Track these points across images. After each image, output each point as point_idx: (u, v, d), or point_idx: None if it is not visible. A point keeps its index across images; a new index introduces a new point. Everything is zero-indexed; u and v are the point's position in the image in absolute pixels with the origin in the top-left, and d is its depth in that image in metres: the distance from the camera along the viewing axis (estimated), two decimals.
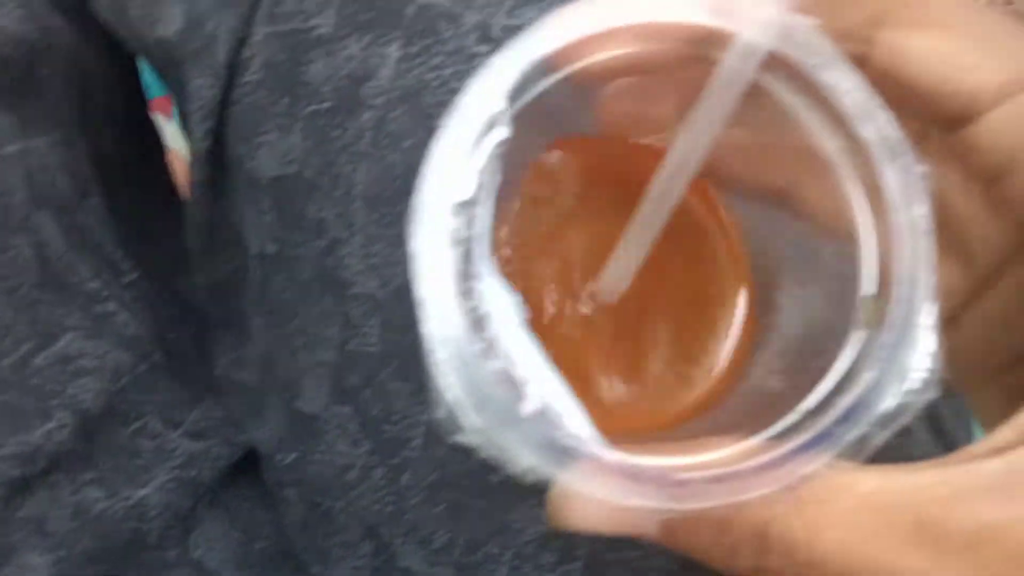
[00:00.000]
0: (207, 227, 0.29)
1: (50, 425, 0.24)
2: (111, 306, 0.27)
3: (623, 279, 0.17)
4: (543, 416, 0.15)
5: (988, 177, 0.16)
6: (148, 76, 0.35)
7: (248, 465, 0.30)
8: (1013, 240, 0.16)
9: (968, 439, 0.37)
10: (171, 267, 0.33)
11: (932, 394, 0.15)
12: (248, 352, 0.29)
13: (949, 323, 0.16)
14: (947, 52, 0.15)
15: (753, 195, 0.18)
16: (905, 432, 0.23)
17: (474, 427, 0.15)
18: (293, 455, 0.27)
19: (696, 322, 0.19)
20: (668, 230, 0.17)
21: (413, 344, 0.23)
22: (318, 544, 0.28)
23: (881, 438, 0.15)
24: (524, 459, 0.15)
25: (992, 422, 0.15)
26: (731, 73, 0.15)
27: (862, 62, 0.16)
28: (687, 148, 0.16)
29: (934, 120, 0.16)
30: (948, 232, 0.15)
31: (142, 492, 0.25)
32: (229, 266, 0.29)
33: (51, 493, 0.24)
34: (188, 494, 0.27)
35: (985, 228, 0.16)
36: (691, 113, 0.15)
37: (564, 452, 0.15)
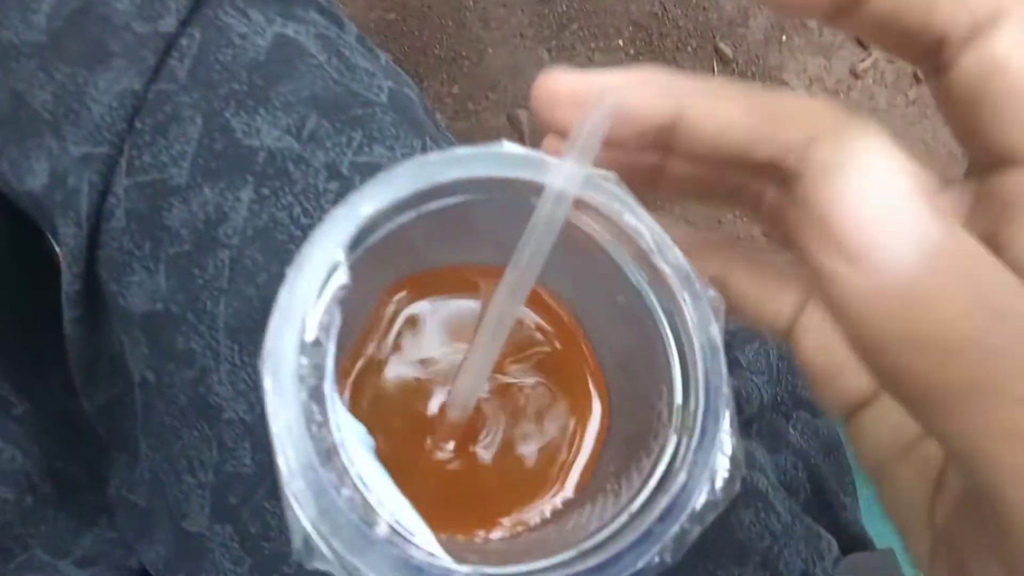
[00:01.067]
0: (86, 360, 0.29)
1: None
2: None
3: (469, 399, 0.18)
4: (395, 537, 0.16)
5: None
6: None
7: None
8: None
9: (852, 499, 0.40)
10: (63, 392, 0.32)
11: (735, 492, 0.17)
12: (137, 474, 0.29)
13: (854, 422, 0.16)
14: None
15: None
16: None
17: (329, 553, 0.16)
18: (181, 575, 0.27)
19: (548, 434, 0.21)
20: (516, 348, 0.19)
21: None
22: None
23: (696, 532, 0.17)
24: None
25: (913, 503, 0.15)
26: (546, 215, 0.17)
27: None
28: (515, 278, 0.17)
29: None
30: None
31: None
32: (115, 391, 0.29)
33: None
34: None
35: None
36: (518, 248, 0.17)
37: (417, 571, 0.16)
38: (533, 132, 0.96)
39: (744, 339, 0.37)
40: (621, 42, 1.02)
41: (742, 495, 0.29)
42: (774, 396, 0.37)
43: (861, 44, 1.10)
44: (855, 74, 1.08)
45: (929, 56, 0.13)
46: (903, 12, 0.13)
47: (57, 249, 0.30)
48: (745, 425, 0.35)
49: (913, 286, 0.10)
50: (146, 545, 0.29)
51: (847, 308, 0.10)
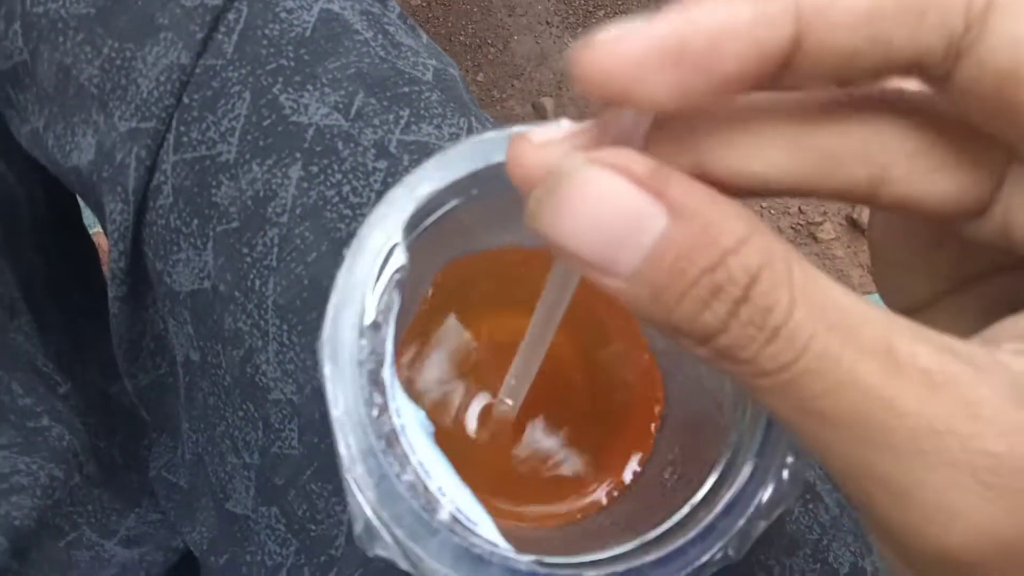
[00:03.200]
0: (129, 338, 0.29)
1: None
2: (45, 421, 0.27)
3: (517, 399, 0.18)
4: (456, 526, 0.16)
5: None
6: None
7: (185, 571, 0.30)
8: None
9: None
10: (102, 375, 0.32)
11: (801, 486, 0.17)
12: (179, 455, 0.29)
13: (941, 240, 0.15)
14: None
15: None
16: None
17: (391, 540, 0.16)
18: (225, 556, 0.27)
19: (603, 420, 0.21)
20: (577, 339, 0.19)
21: (330, 447, 0.24)
22: None
23: (761, 527, 0.16)
24: (440, 570, 0.15)
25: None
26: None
27: None
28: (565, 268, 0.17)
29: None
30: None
31: None
32: (158, 372, 0.29)
33: None
34: None
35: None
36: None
37: (478, 560, 0.15)
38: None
39: None
40: None
41: None
42: None
43: None
44: None
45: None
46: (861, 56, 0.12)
47: (92, 231, 0.30)
48: None
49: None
50: (189, 526, 0.29)
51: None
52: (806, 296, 0.11)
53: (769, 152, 0.13)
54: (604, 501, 0.19)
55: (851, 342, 0.11)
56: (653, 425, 0.21)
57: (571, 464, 0.20)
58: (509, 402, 0.17)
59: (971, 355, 0.11)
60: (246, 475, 0.27)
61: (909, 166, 0.13)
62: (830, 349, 0.11)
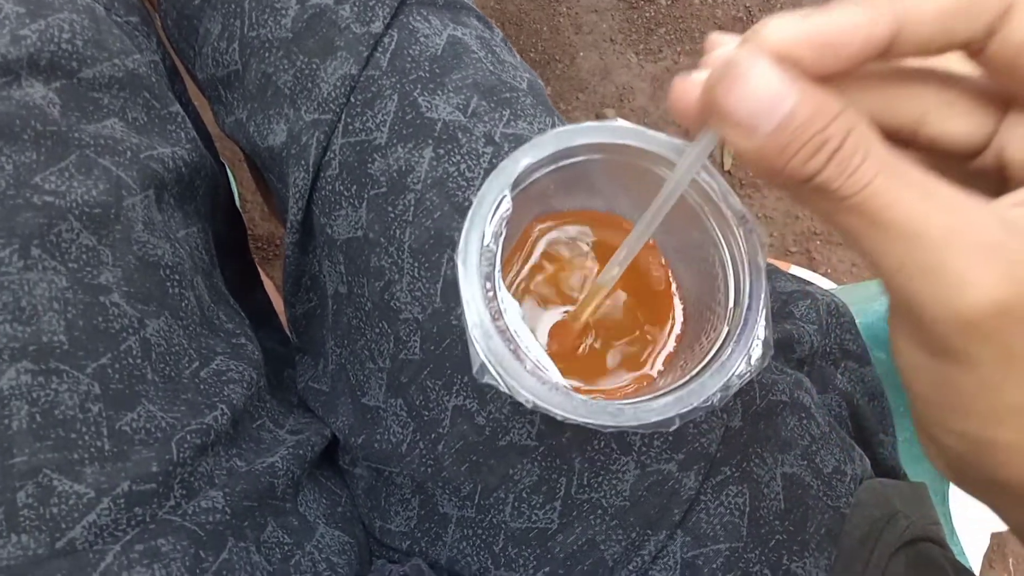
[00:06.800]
0: (295, 275, 0.39)
1: (216, 413, 0.32)
2: (242, 340, 0.36)
3: (616, 272, 0.26)
4: (535, 370, 0.25)
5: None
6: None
7: (330, 455, 0.38)
8: None
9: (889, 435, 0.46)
10: (258, 318, 0.42)
11: (765, 365, 0.25)
12: (321, 368, 0.39)
13: None
14: None
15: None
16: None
17: (495, 373, 0.24)
18: (362, 437, 0.36)
19: (643, 332, 0.30)
20: (627, 274, 0.27)
21: (442, 354, 0.33)
22: (381, 505, 0.36)
23: (735, 388, 0.25)
24: (525, 394, 0.24)
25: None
26: (681, 172, 0.23)
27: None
28: (658, 204, 0.24)
29: None
30: None
31: (271, 459, 0.33)
32: (311, 304, 0.39)
33: (215, 460, 0.32)
34: (298, 465, 0.35)
35: None
36: (664, 186, 0.23)
37: (548, 387, 0.24)
38: None
39: (798, 296, 0.44)
40: None
41: (789, 405, 0.36)
42: (824, 346, 0.45)
43: None
44: None
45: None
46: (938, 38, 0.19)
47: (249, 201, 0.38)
48: (799, 364, 0.42)
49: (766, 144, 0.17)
50: (332, 418, 0.38)
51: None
52: (874, 149, 0.18)
53: (865, 97, 0.21)
54: (642, 383, 0.28)
55: (901, 178, 0.18)
56: (678, 336, 0.30)
57: (619, 357, 0.29)
58: (615, 271, 0.26)
59: (974, 198, 0.18)
60: (379, 376, 0.35)
61: (942, 113, 0.21)
62: (889, 182, 0.17)
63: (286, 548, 0.33)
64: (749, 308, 0.26)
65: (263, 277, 0.52)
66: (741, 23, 1.09)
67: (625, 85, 1.05)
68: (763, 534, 0.33)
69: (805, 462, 0.35)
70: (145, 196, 0.32)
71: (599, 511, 0.33)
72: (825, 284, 0.86)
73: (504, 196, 0.26)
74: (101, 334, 0.29)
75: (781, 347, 0.41)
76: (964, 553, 0.54)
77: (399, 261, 0.34)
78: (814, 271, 0.98)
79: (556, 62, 1.06)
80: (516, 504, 0.33)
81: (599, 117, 1.07)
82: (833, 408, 0.43)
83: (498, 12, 1.08)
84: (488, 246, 0.25)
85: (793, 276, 0.47)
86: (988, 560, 0.90)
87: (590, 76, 1.05)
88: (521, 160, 0.26)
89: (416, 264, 0.33)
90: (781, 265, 0.95)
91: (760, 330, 0.25)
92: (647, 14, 1.08)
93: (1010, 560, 0.91)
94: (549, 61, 1.06)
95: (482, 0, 1.07)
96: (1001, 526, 0.88)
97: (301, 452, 0.35)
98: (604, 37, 1.07)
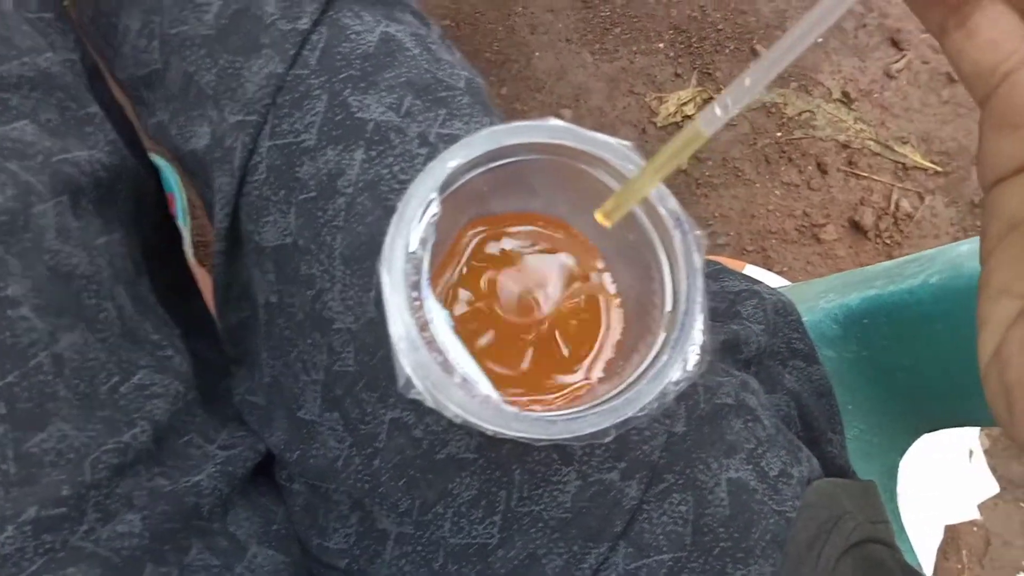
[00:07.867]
0: (224, 284, 0.37)
1: (135, 430, 0.30)
2: (169, 351, 0.35)
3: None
4: (464, 384, 0.24)
5: None
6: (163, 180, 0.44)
7: (266, 469, 0.37)
8: None
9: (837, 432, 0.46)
10: (194, 327, 0.40)
11: (702, 370, 0.24)
12: (257, 380, 0.37)
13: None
14: None
15: None
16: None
17: (422, 388, 0.23)
18: (297, 452, 0.35)
19: (586, 333, 0.29)
20: (564, 278, 0.26)
21: (377, 365, 0.32)
22: (318, 522, 0.35)
23: (672, 395, 0.24)
24: (454, 409, 0.23)
25: None
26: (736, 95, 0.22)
27: None
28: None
29: None
30: None
31: (196, 478, 0.32)
32: (243, 314, 0.37)
33: (135, 480, 0.30)
34: (227, 483, 0.33)
35: None
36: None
37: (478, 402, 0.23)
38: None
39: (746, 295, 0.44)
40: (661, 45, 1.08)
41: (734, 408, 0.36)
42: (771, 346, 0.44)
43: (896, 45, 1.14)
44: (889, 75, 1.12)
45: None
46: None
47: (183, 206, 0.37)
48: (745, 364, 0.42)
49: None
50: (268, 433, 0.37)
51: None
52: None
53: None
54: (580, 391, 0.27)
55: None
56: (615, 343, 0.29)
57: (555, 363, 0.28)
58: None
59: None
60: (314, 389, 0.34)
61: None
62: None
63: (214, 571, 0.31)
64: (686, 312, 0.25)
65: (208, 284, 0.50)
66: (696, 23, 1.10)
67: (581, 85, 1.05)
68: (707, 542, 0.32)
69: (751, 466, 0.35)
70: (58, 202, 0.30)
71: (540, 524, 0.32)
72: (780, 282, 0.86)
73: (432, 199, 0.25)
74: (8, 350, 0.27)
75: (728, 348, 0.40)
76: (913, 550, 0.54)
77: (330, 269, 0.32)
78: (769, 269, 0.99)
79: (512, 62, 1.06)
80: (455, 519, 0.32)
81: (559, 118, 1.06)
82: (782, 408, 0.43)
83: (453, 12, 1.07)
84: (414, 252, 0.24)
85: (742, 275, 0.47)
86: (943, 552, 0.92)
87: (546, 76, 1.05)
88: (449, 161, 0.25)
89: (348, 271, 0.32)
90: (736, 264, 0.95)
91: (697, 334, 0.25)
92: (602, 14, 1.08)
93: (963, 552, 0.93)
94: (505, 61, 1.05)
95: (436, 0, 1.06)
96: (955, 518, 0.89)
97: (231, 469, 0.34)
98: (560, 37, 1.07)
